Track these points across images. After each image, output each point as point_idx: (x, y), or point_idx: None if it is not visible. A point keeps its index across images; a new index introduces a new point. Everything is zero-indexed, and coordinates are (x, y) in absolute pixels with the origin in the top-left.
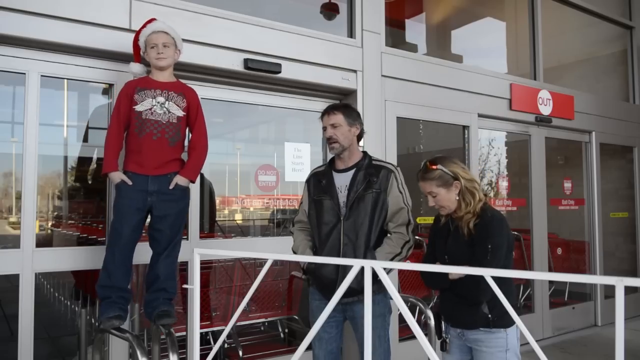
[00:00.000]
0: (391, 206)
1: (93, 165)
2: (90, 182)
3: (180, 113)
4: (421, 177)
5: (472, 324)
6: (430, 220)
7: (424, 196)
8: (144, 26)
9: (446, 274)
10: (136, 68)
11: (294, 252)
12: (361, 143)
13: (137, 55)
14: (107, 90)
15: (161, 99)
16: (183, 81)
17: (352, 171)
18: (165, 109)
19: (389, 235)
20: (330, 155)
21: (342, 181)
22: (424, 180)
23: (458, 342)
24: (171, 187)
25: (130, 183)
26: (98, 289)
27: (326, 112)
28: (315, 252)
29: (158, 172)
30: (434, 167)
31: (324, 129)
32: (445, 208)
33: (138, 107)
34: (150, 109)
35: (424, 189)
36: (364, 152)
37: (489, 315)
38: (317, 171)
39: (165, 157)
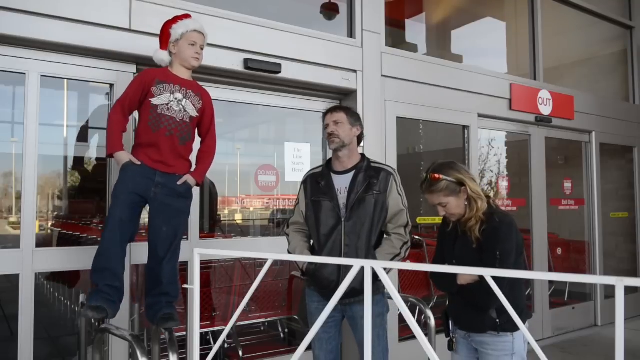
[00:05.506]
0: (391, 208)
1: (91, 165)
2: (89, 181)
3: (195, 114)
4: (427, 190)
5: (479, 328)
6: (430, 220)
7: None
8: (180, 18)
9: (455, 278)
10: (164, 56)
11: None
12: (361, 144)
13: (164, 43)
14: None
15: (179, 96)
16: None
17: (352, 173)
18: (181, 106)
19: (388, 236)
20: (329, 156)
21: (341, 183)
22: (431, 193)
23: (464, 342)
24: (179, 182)
25: (138, 163)
26: (91, 274)
27: (329, 111)
28: (314, 254)
29: (166, 169)
30: (438, 177)
31: (326, 126)
32: (455, 215)
33: (155, 100)
34: (167, 104)
35: (431, 201)
36: (362, 155)
37: (497, 320)
38: (314, 172)
39: (174, 156)
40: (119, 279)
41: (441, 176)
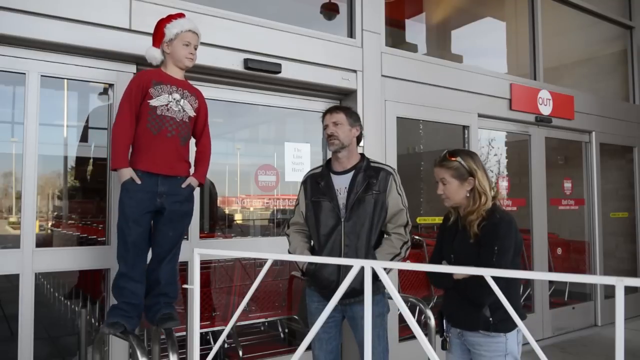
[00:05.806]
0: (390, 207)
1: (90, 166)
2: (89, 181)
3: (192, 113)
4: (438, 164)
5: (472, 326)
6: (430, 220)
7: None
8: (174, 17)
9: (450, 274)
10: (157, 53)
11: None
12: (360, 144)
13: (157, 42)
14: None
15: (177, 96)
16: None
17: (351, 173)
18: (180, 106)
19: (388, 235)
20: (329, 155)
21: (341, 183)
22: (440, 167)
23: (458, 342)
24: (184, 185)
25: (139, 182)
26: (113, 289)
27: (328, 111)
28: (315, 254)
29: (170, 172)
30: (453, 159)
31: (325, 127)
32: (449, 200)
33: (153, 102)
34: (167, 105)
35: (437, 174)
36: (362, 155)
37: (490, 319)
38: (313, 173)
39: (177, 157)
40: (137, 296)
41: (457, 158)
